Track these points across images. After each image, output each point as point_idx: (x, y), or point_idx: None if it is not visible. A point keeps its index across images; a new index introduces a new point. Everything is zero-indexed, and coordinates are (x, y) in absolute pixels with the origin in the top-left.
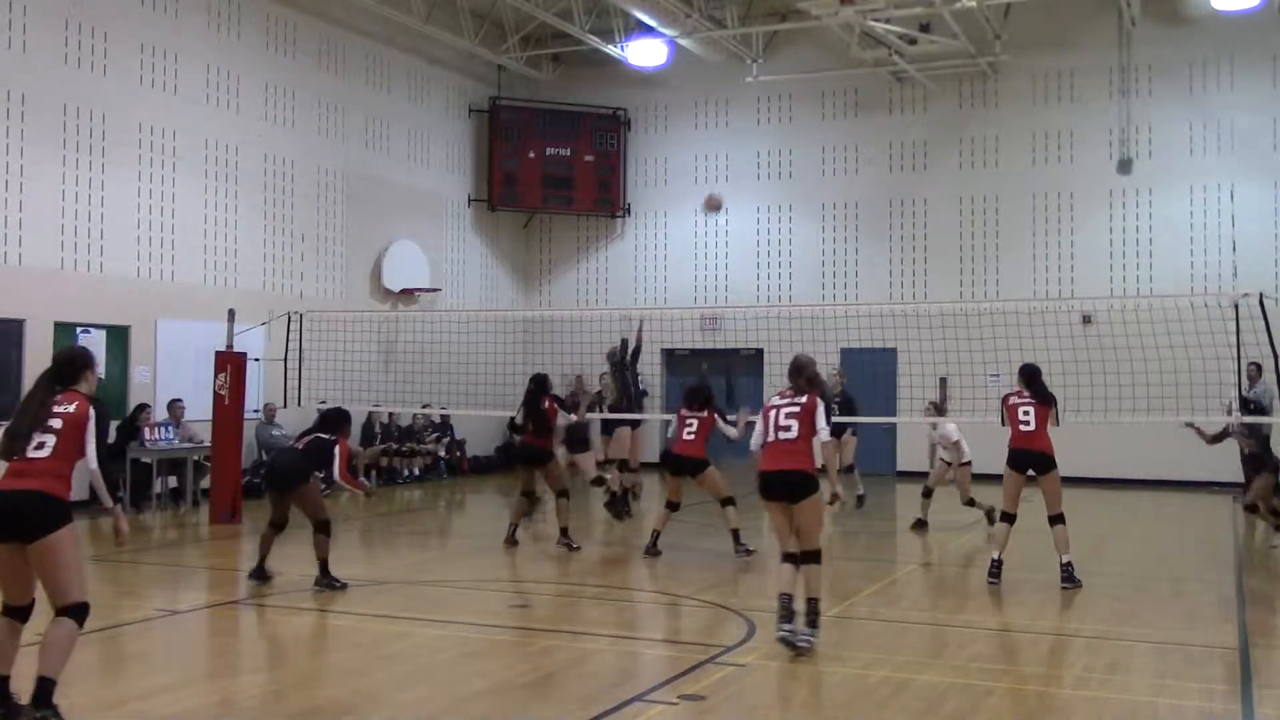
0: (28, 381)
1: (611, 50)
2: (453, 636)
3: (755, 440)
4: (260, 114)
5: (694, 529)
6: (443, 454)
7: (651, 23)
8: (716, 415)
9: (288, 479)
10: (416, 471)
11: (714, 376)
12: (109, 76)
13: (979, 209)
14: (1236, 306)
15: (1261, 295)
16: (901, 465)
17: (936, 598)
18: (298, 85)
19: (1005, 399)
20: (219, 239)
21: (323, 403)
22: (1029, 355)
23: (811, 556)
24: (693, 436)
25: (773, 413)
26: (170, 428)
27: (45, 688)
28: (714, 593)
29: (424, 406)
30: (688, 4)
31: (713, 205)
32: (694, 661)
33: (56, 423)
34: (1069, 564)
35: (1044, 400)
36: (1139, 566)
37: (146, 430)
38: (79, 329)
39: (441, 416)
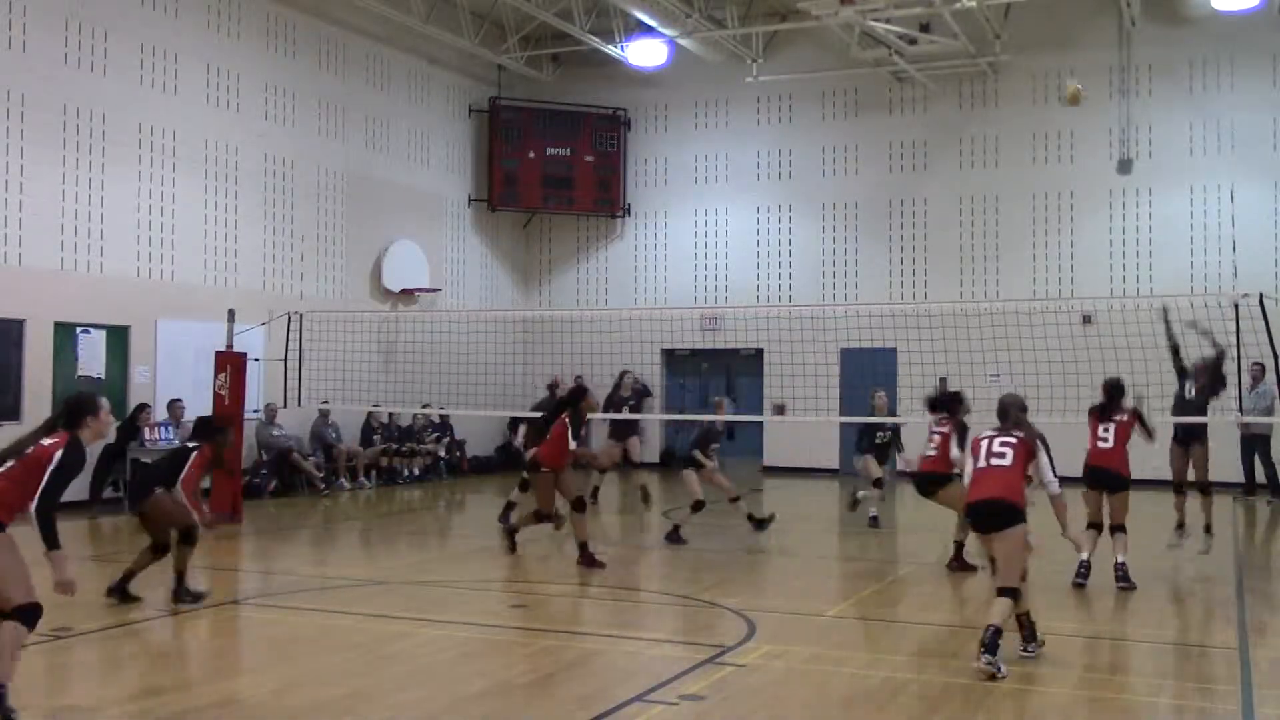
0: (28, 381)
1: (611, 50)
2: (453, 636)
3: (967, 474)
4: (260, 114)
5: (695, 529)
6: (443, 454)
7: (651, 23)
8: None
9: (132, 495)
10: (416, 471)
11: (714, 377)
12: (109, 76)
13: (979, 209)
14: (1236, 306)
15: (1261, 295)
16: (901, 465)
17: (936, 598)
18: (298, 85)
19: (1092, 411)
20: (219, 239)
21: (324, 403)
22: (1029, 355)
23: (1005, 592)
24: (935, 452)
25: (984, 443)
26: (170, 428)
27: None
28: (714, 593)
29: (424, 406)
30: (688, 4)
31: (1074, 99)
32: (694, 661)
33: (30, 449)
34: (1124, 564)
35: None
36: (1139, 566)
37: (146, 430)
38: (79, 329)
39: (441, 416)
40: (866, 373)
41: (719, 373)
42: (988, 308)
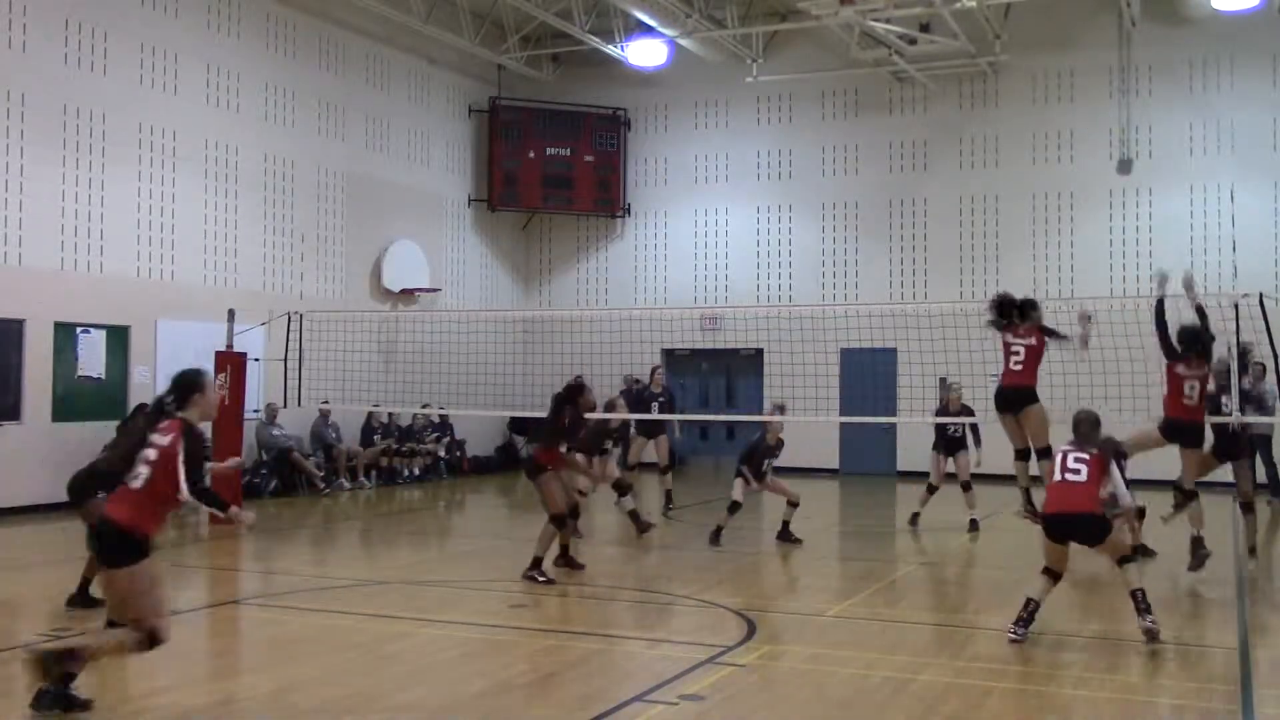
0: (28, 382)
1: (611, 50)
2: (453, 636)
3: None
4: (260, 114)
5: (694, 529)
6: (443, 454)
7: (651, 23)
8: None
9: (72, 494)
10: (416, 471)
11: (714, 377)
12: (109, 76)
13: (979, 209)
14: (1236, 306)
15: (1261, 295)
16: (901, 465)
17: (936, 598)
18: (298, 85)
19: (1170, 367)
20: (219, 239)
21: (325, 403)
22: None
23: (1124, 560)
24: (1020, 367)
25: (1058, 457)
26: None
27: (59, 658)
28: (714, 593)
29: (424, 406)
30: (688, 4)
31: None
32: (694, 661)
33: (152, 453)
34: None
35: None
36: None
37: None
38: (79, 329)
39: (441, 416)
40: (866, 373)
41: (719, 373)
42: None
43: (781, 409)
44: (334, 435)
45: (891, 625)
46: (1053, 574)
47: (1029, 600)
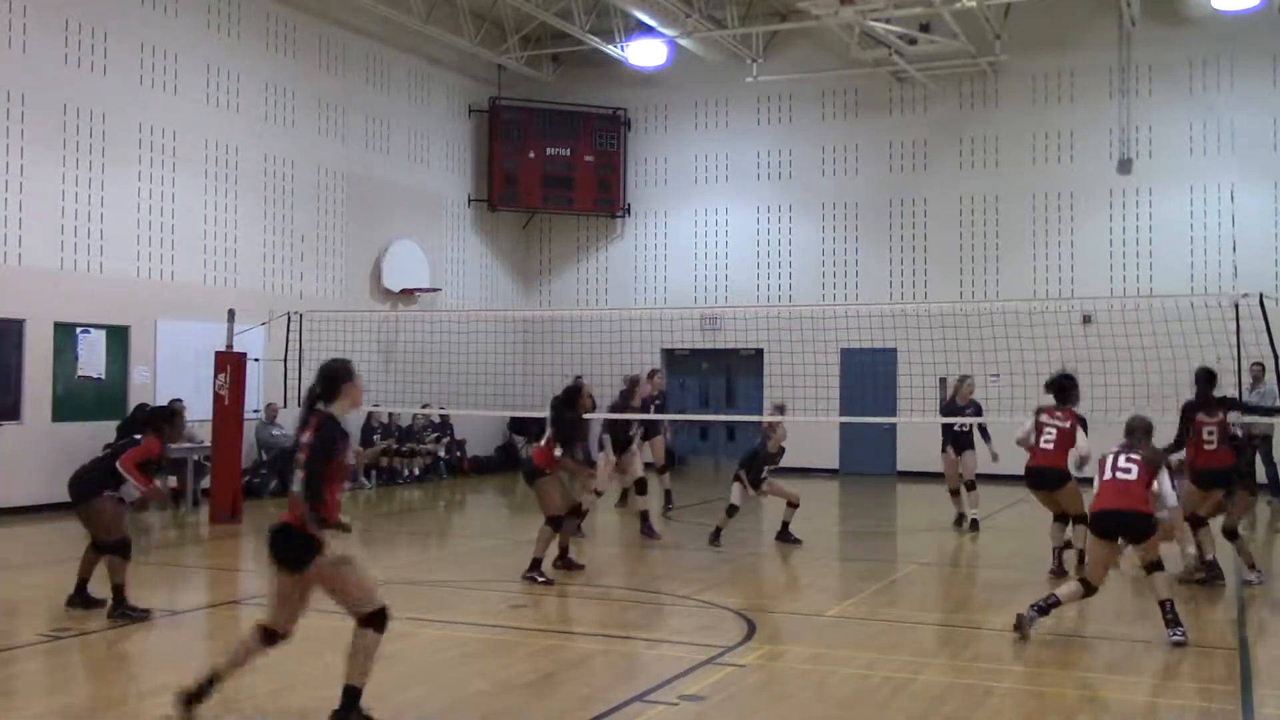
0: (28, 381)
1: (611, 50)
2: (453, 636)
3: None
4: (260, 114)
5: (694, 529)
6: (443, 454)
7: (651, 23)
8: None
9: (74, 493)
10: (416, 471)
11: (714, 377)
12: (109, 76)
13: (979, 209)
14: (1236, 306)
15: (1261, 295)
16: (902, 465)
17: (936, 598)
18: (298, 85)
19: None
20: (219, 239)
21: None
22: (1029, 355)
23: (1154, 566)
24: (1052, 446)
25: (1109, 457)
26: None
27: (348, 699)
28: (714, 593)
29: (424, 406)
30: (688, 4)
31: None
32: (694, 661)
33: (301, 455)
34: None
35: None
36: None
37: None
38: (79, 329)
39: (441, 416)
40: (866, 373)
41: (719, 373)
42: (988, 308)
43: (781, 409)
44: None
45: (891, 625)
46: (1088, 586)
47: (1053, 595)
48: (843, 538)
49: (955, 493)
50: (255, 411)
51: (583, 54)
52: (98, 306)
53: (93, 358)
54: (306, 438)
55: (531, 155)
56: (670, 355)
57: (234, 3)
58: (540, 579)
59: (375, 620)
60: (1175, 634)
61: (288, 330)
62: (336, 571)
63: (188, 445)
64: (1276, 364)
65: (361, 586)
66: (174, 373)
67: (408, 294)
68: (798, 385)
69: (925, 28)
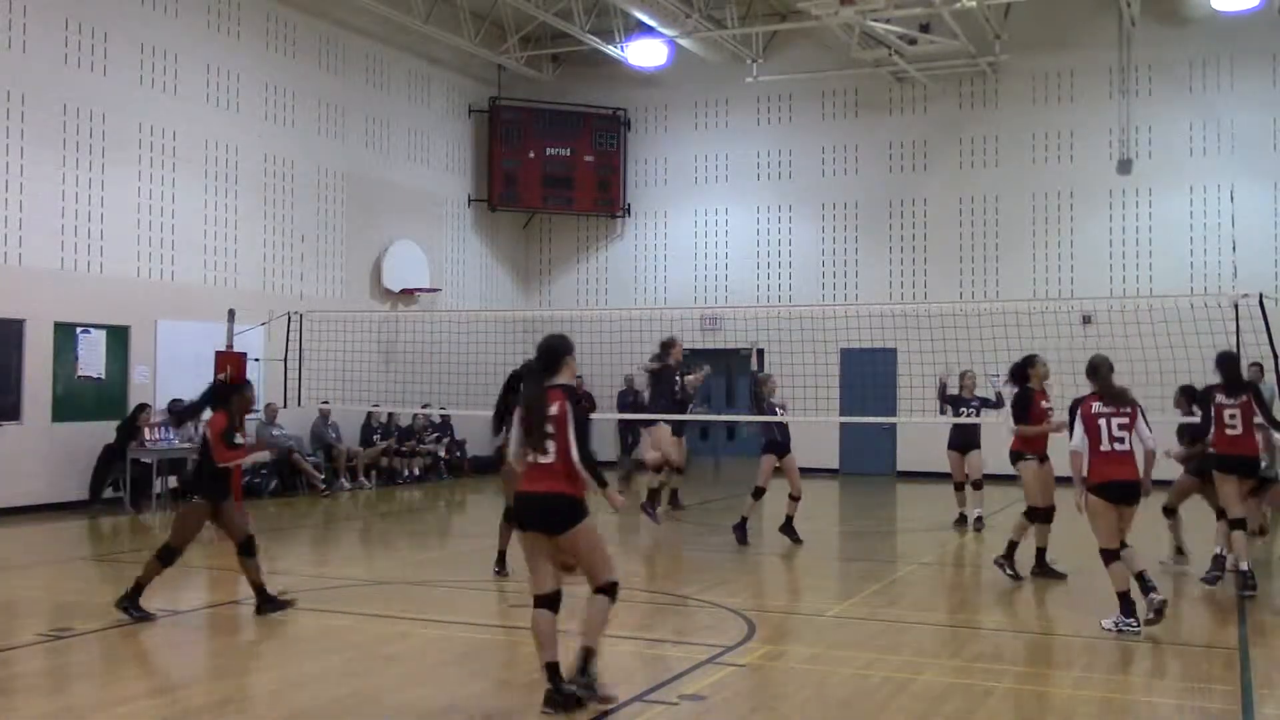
0: (28, 381)
1: (611, 50)
2: (453, 636)
3: (1076, 443)
4: (260, 114)
5: (694, 529)
6: (443, 454)
7: (651, 23)
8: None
9: (188, 492)
10: (416, 471)
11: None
12: (109, 76)
13: (979, 209)
14: (1236, 306)
15: (1261, 295)
16: (901, 465)
17: (936, 598)
18: (298, 85)
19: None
20: (219, 239)
21: (324, 403)
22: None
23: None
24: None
25: (1102, 421)
26: (170, 428)
27: (585, 660)
28: (714, 593)
29: (424, 406)
30: (688, 4)
31: None
32: (694, 661)
33: (549, 427)
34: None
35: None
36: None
37: (146, 430)
38: (79, 329)
39: (441, 416)
40: (867, 373)
41: (719, 373)
42: (988, 308)
43: (783, 408)
44: (334, 435)
45: (891, 625)
46: (1112, 553)
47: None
48: (843, 538)
49: (960, 488)
50: (255, 411)
51: (583, 54)
52: (98, 306)
53: (93, 358)
54: (555, 410)
55: (531, 155)
56: None
57: (234, 3)
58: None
59: (612, 589)
60: (1153, 599)
61: (288, 330)
62: (592, 536)
63: (188, 445)
64: (1276, 364)
65: (606, 554)
66: (174, 373)
67: (408, 294)
68: (798, 385)
69: (925, 28)
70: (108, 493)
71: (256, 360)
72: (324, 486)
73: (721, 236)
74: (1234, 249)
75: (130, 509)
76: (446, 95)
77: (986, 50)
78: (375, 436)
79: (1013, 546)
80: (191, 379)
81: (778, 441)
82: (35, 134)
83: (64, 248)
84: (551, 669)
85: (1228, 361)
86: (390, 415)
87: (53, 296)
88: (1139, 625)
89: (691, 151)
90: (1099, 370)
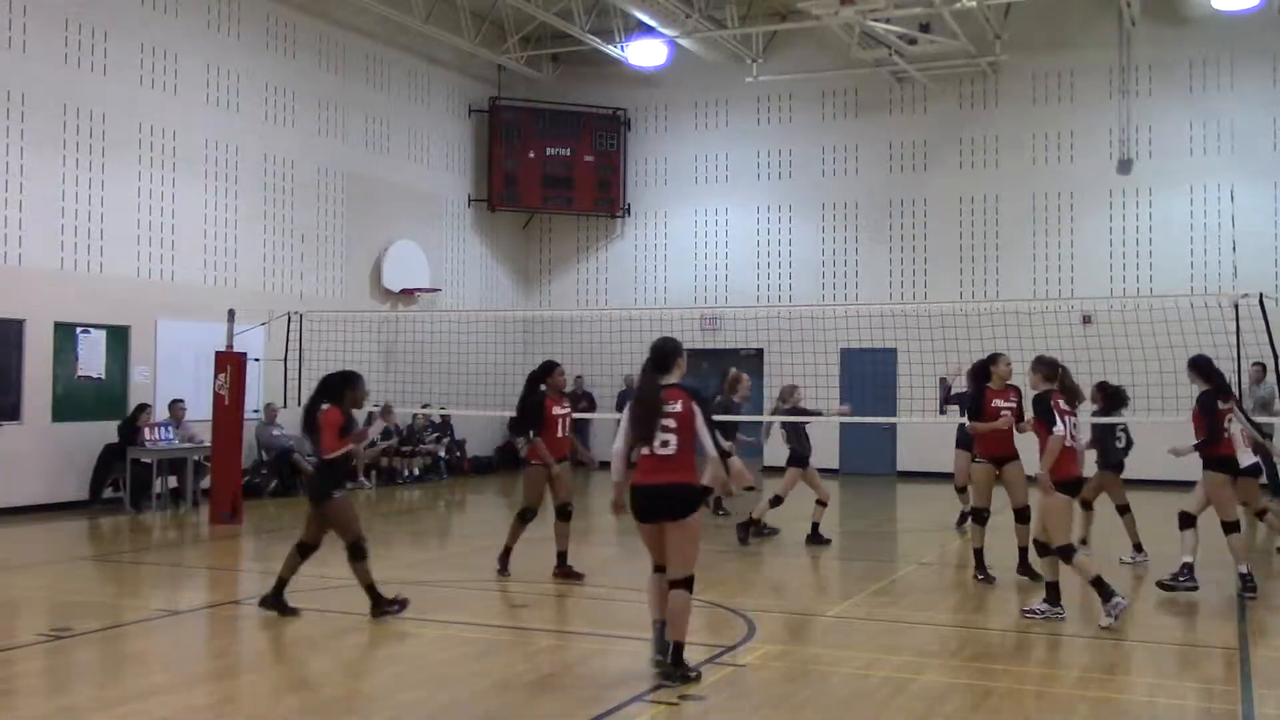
0: (28, 381)
1: (611, 50)
2: (453, 636)
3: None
4: (260, 114)
5: None
6: (443, 454)
7: (651, 23)
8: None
9: (311, 492)
10: (416, 471)
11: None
12: (109, 76)
13: (979, 209)
14: (1236, 306)
15: (1261, 295)
16: (901, 465)
17: (936, 598)
18: (298, 85)
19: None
20: (219, 239)
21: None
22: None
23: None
24: None
25: (1068, 418)
26: (170, 428)
27: (677, 653)
28: (714, 593)
29: (424, 406)
30: (688, 4)
31: None
32: (694, 661)
33: (670, 421)
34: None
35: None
36: (1139, 566)
37: (146, 430)
38: (79, 329)
39: (441, 416)
40: (866, 373)
41: (719, 373)
42: (988, 308)
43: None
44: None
45: (891, 625)
46: (1069, 549)
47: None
48: (843, 538)
49: (962, 490)
50: (255, 412)
51: (583, 54)
52: (98, 306)
53: (93, 358)
54: (680, 408)
55: (531, 155)
56: None
57: (234, 3)
58: (575, 574)
59: (689, 583)
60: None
61: (288, 330)
62: (698, 528)
63: (188, 445)
64: (1276, 364)
65: (698, 550)
66: (174, 373)
67: (408, 294)
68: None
69: (925, 28)
70: (108, 493)
71: (256, 360)
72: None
73: (721, 236)
74: (1234, 249)
75: (130, 509)
76: (446, 95)
77: (986, 50)
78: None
79: (978, 554)
80: (191, 379)
81: (803, 455)
82: (35, 134)
83: (64, 248)
84: (659, 626)
85: (1211, 365)
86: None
87: (53, 296)
88: (1064, 612)
89: (691, 151)
90: (1058, 369)
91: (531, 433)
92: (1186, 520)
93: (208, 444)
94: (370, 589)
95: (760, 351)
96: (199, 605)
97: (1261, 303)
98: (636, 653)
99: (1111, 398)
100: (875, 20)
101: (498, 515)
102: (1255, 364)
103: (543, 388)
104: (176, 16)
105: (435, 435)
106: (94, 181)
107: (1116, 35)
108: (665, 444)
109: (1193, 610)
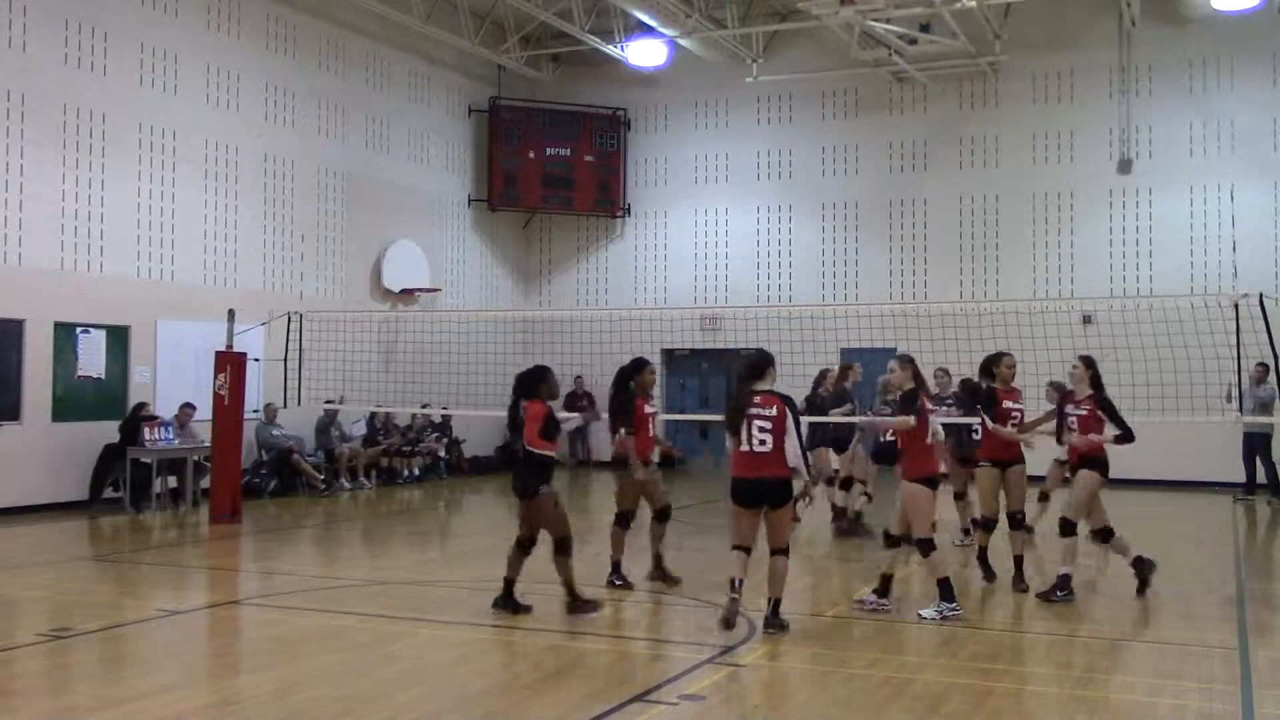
0: (28, 381)
1: (611, 50)
2: (453, 636)
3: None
4: (260, 114)
5: (694, 529)
6: (443, 454)
7: (651, 23)
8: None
9: (518, 487)
10: (416, 471)
11: (714, 376)
12: (109, 76)
13: (979, 209)
14: (1236, 306)
15: (1261, 295)
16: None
17: (936, 598)
18: (298, 85)
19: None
20: (219, 239)
21: (328, 403)
22: (1029, 355)
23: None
24: None
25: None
26: (171, 428)
27: (775, 607)
28: (714, 593)
29: (424, 406)
30: (688, 4)
31: None
32: (694, 661)
33: (766, 423)
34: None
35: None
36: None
37: (147, 430)
38: (79, 329)
39: (442, 416)
40: (867, 372)
41: (719, 373)
42: (988, 308)
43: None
44: (341, 435)
45: (891, 625)
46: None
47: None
48: (842, 537)
49: (960, 496)
50: (255, 411)
51: (583, 54)
52: (98, 306)
53: (93, 358)
54: (774, 412)
55: (531, 155)
56: (670, 355)
57: (234, 3)
58: (619, 582)
59: (786, 551)
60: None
61: (288, 330)
62: (791, 510)
63: (188, 445)
64: (1276, 364)
65: (791, 525)
66: (174, 373)
67: (408, 294)
68: (798, 385)
69: (925, 28)
70: (108, 493)
71: (256, 360)
72: (323, 487)
73: (721, 236)
74: (1234, 249)
75: (130, 509)
76: (446, 95)
77: (986, 50)
78: (379, 436)
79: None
80: (191, 379)
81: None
82: (35, 134)
83: (64, 248)
84: (733, 583)
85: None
86: (389, 415)
87: (53, 296)
88: (960, 608)
89: (691, 151)
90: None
91: (624, 430)
92: (1068, 528)
93: (208, 444)
94: (569, 585)
95: (760, 351)
96: (199, 605)
97: (1261, 303)
98: (636, 653)
99: (974, 393)
100: (875, 20)
101: (497, 515)
102: (1259, 365)
103: (632, 385)
104: (176, 16)
105: (435, 435)
106: (94, 181)
107: (1116, 35)
108: (762, 442)
109: (1193, 610)
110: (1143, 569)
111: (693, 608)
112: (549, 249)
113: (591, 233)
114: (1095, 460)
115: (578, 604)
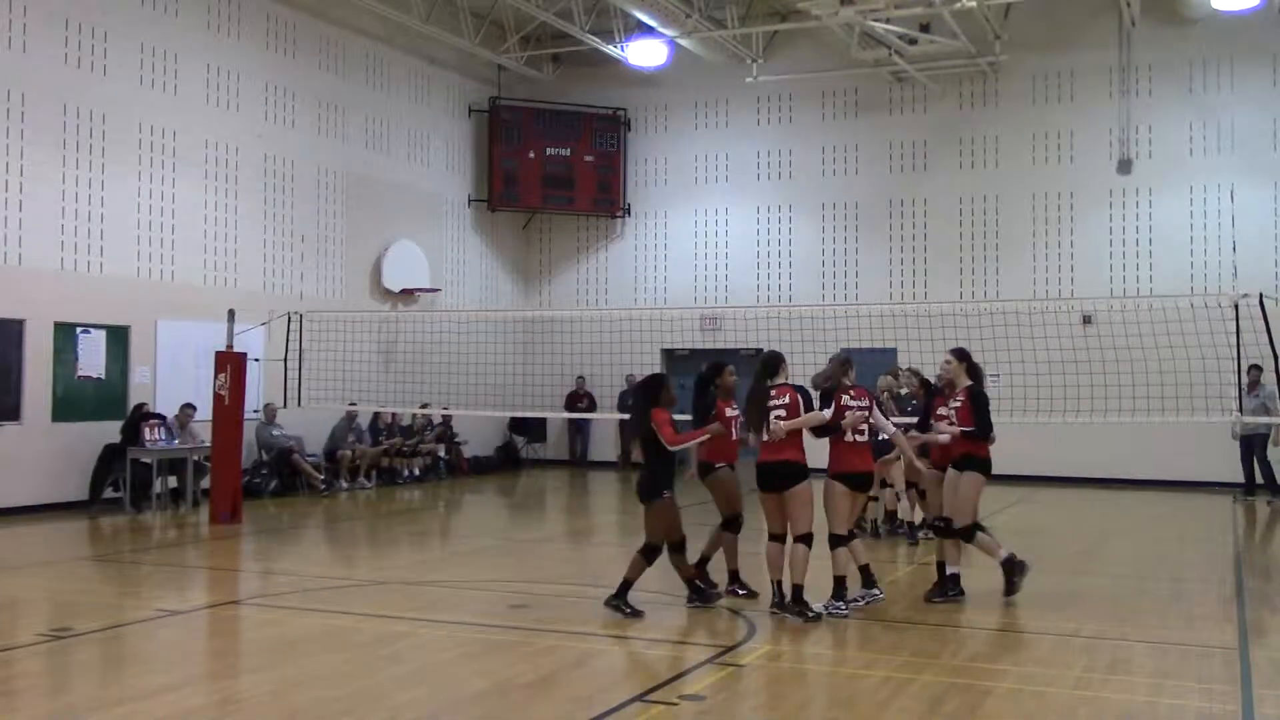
0: (28, 381)
1: (611, 50)
2: (453, 636)
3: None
4: (260, 114)
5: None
6: (443, 454)
7: (651, 23)
8: None
9: (640, 492)
10: (416, 471)
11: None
12: (109, 76)
13: (979, 209)
14: (1236, 307)
15: (1261, 295)
16: None
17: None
18: (298, 85)
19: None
20: (219, 239)
21: (352, 405)
22: (1029, 355)
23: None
24: None
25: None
26: (168, 427)
27: (797, 592)
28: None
29: (424, 406)
30: (688, 4)
31: None
32: (694, 661)
33: (782, 411)
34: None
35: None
36: (1139, 566)
37: (146, 430)
38: (79, 329)
39: (442, 416)
40: (866, 373)
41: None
42: (988, 308)
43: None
44: (358, 437)
45: (891, 625)
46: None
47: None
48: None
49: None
50: (255, 411)
51: (583, 54)
52: (98, 306)
53: (93, 358)
54: (788, 400)
55: (531, 155)
56: (670, 355)
57: (234, 3)
58: (742, 591)
59: (808, 539)
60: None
61: (288, 330)
62: (806, 495)
63: (188, 445)
64: (1276, 364)
65: (811, 512)
66: (174, 373)
67: (408, 294)
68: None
69: (925, 28)
70: (108, 493)
71: (256, 360)
72: (323, 487)
73: (721, 236)
74: (1234, 249)
75: (130, 509)
76: (446, 95)
77: (986, 50)
78: (381, 436)
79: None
80: (191, 379)
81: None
82: (35, 134)
83: (64, 248)
84: (777, 585)
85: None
86: (391, 415)
87: (53, 296)
88: (848, 608)
89: (691, 151)
90: (848, 364)
91: (718, 425)
92: (956, 530)
93: (208, 444)
94: (690, 582)
95: (760, 351)
96: (199, 605)
97: (1261, 303)
98: (636, 653)
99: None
100: (875, 20)
101: (497, 515)
102: (1253, 366)
103: (713, 388)
104: (176, 16)
105: (435, 435)
106: (94, 181)
107: (1116, 35)
108: (766, 430)
109: (1193, 610)
110: (1013, 570)
111: (693, 608)
112: (549, 249)
113: (591, 233)
114: (977, 460)
115: (702, 594)
